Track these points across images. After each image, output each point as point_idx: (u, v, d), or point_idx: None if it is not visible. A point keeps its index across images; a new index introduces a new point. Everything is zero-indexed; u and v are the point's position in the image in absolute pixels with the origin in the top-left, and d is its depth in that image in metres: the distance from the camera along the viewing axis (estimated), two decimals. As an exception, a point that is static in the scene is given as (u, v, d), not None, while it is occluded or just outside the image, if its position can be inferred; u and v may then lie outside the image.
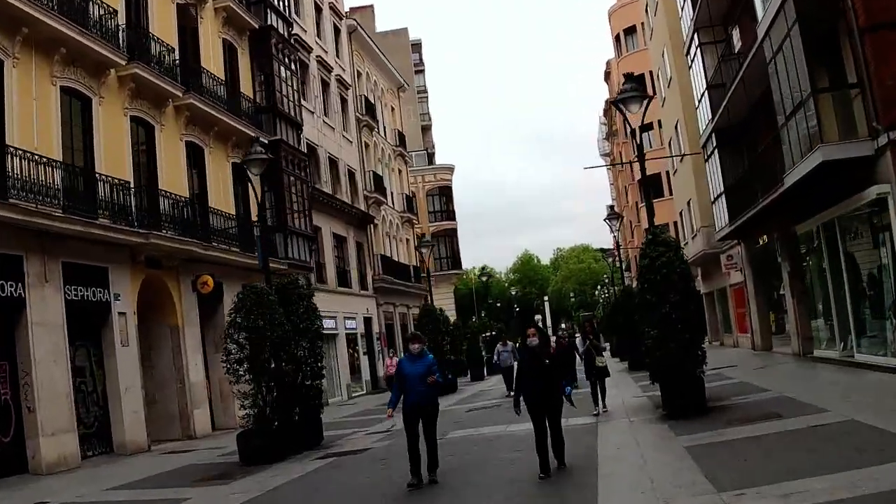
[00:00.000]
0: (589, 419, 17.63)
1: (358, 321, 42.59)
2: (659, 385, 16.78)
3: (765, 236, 29.39)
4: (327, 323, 37.42)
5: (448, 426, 20.42)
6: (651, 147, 62.24)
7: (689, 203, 42.30)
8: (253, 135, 31.33)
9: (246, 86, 32.74)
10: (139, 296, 24.19)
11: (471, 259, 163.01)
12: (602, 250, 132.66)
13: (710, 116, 30.67)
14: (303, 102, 38.24)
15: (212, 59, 30.03)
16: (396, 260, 52.00)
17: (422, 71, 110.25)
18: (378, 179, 49.28)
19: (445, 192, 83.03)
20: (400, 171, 57.58)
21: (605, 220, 43.65)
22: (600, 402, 19.51)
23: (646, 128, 62.86)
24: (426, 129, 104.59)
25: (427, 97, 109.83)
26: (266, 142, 32.19)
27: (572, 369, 19.42)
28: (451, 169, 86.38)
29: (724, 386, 20.73)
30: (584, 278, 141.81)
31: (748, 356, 31.64)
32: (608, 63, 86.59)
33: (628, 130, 75.03)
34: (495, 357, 27.82)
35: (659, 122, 52.65)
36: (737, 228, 29.51)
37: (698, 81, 32.34)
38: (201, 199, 28.56)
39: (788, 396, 16.35)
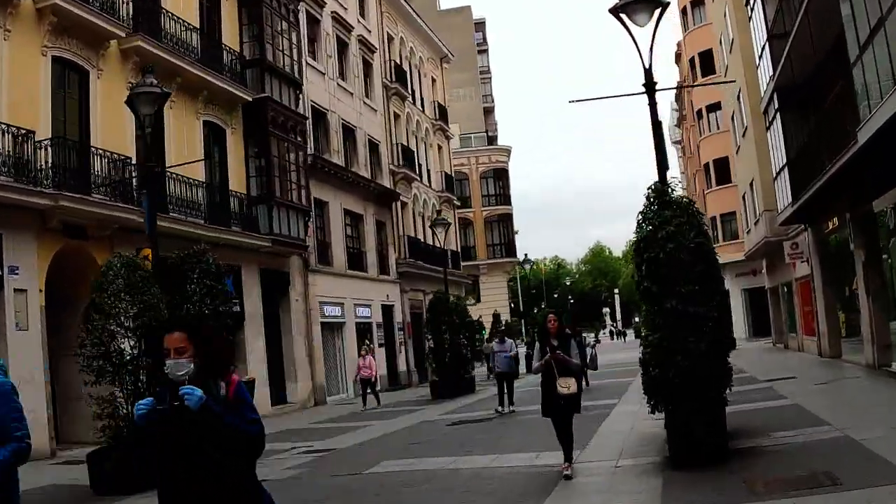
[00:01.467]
0: (554, 460, 11.95)
1: (374, 309, 37.66)
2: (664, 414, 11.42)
3: (835, 218, 23.49)
4: (329, 310, 32.68)
5: (395, 451, 15.39)
6: (718, 128, 56.10)
7: (751, 184, 36.29)
8: (230, 89, 26.63)
9: (231, 38, 28.02)
10: (54, 271, 19.68)
11: (541, 250, 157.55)
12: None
13: (770, 72, 24.88)
14: (308, 61, 33.40)
15: (181, 3, 25.35)
16: (431, 244, 46.87)
17: (485, 51, 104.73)
18: (408, 153, 44.22)
19: (501, 175, 77.62)
20: (440, 147, 52.36)
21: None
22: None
23: (713, 107, 56.88)
24: (489, 112, 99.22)
25: (490, 78, 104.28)
26: (250, 99, 27.58)
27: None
28: (507, 150, 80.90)
29: (769, 410, 15.27)
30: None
31: (812, 364, 25.81)
32: (678, 44, 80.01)
33: (689, 103, 69.06)
34: (491, 360, 22.67)
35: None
36: (802, 208, 23.73)
37: (759, 34, 26.57)
38: (161, 160, 23.94)
39: (855, 439, 10.82)
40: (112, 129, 21.75)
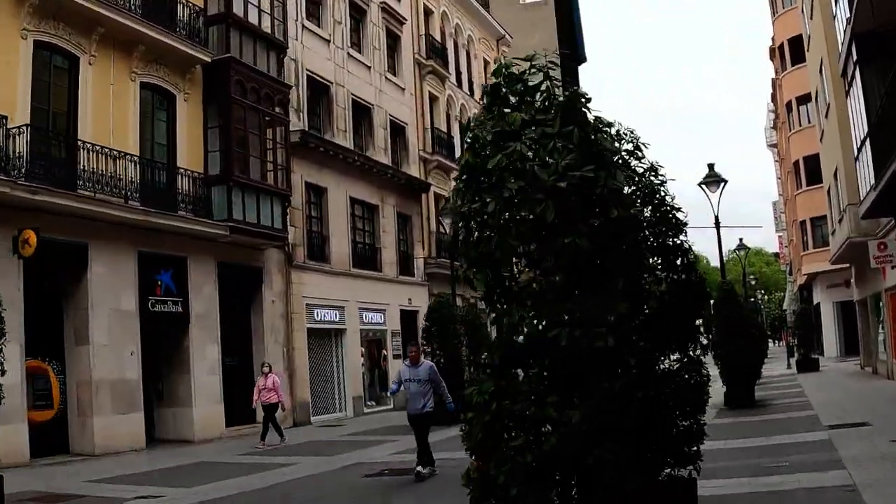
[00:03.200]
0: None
1: (389, 314, 32.30)
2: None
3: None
4: (322, 314, 27.49)
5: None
6: (809, 121, 48.92)
7: (835, 174, 29.57)
8: (178, 46, 21.69)
9: (193, -10, 23.13)
10: None
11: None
12: (775, 254, 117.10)
13: (847, 14, 18.51)
14: (307, 24, 28.38)
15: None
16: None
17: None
18: (444, 141, 38.73)
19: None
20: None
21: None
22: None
23: (803, 99, 49.59)
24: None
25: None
26: (209, 60, 22.58)
27: None
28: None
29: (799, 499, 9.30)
30: (756, 284, 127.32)
31: (900, 401, 19.35)
32: (772, 39, 72.30)
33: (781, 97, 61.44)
34: (393, 386, 15.16)
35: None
36: (886, 193, 17.35)
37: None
38: (67, 127, 19.20)
39: None
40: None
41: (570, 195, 4.62)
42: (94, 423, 18.81)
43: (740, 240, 49.11)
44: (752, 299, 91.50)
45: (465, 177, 4.95)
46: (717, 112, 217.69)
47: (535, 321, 4.87)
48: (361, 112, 31.92)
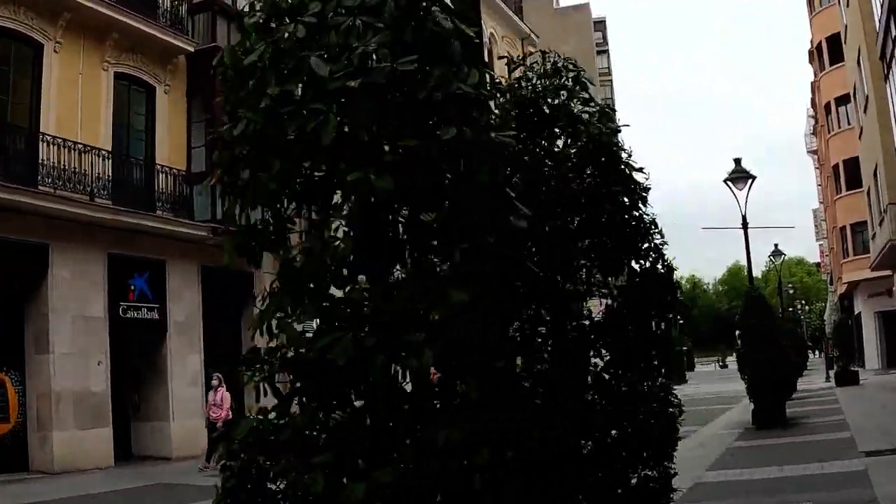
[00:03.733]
0: None
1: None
2: None
3: None
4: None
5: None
6: (848, 123, 46.43)
7: (874, 172, 27.25)
8: (157, 34, 20.12)
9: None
10: None
11: (682, 268, 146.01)
12: (816, 264, 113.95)
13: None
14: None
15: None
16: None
17: (605, 52, 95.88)
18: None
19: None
20: (516, 142, 44.67)
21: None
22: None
23: (842, 100, 47.08)
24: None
25: (611, 81, 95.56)
26: (192, 49, 20.97)
27: None
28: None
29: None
30: (795, 294, 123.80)
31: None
32: (811, 41, 69.62)
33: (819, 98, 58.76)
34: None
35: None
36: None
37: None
38: (28, 118, 17.66)
39: None
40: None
41: (365, 102, 2.72)
42: (54, 439, 17.15)
43: (775, 245, 46.50)
44: (791, 309, 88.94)
45: (226, 84, 3.09)
46: (713, 96, 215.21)
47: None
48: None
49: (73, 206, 17.39)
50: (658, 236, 4.61)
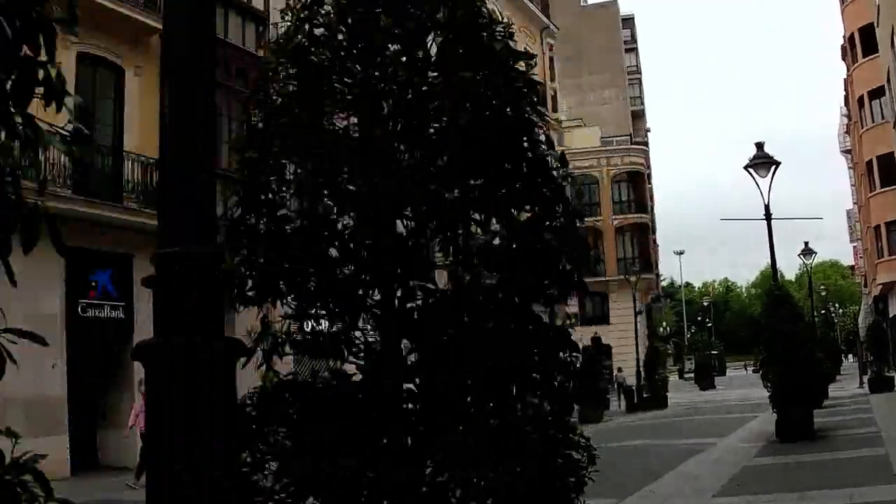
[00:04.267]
0: None
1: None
2: None
3: None
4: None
5: None
6: (882, 117, 44.18)
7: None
8: (120, 10, 18.50)
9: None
10: None
11: (714, 270, 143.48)
12: (851, 267, 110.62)
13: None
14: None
15: None
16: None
17: (633, 49, 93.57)
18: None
19: (635, 179, 66.72)
20: (536, 136, 42.68)
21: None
22: None
23: (875, 93, 44.84)
24: (637, 116, 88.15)
25: (640, 79, 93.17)
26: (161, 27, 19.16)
27: None
28: (642, 151, 70.16)
29: None
30: (828, 296, 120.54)
31: None
32: (843, 37, 67.15)
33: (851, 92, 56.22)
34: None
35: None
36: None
37: None
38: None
39: None
40: None
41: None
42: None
43: (806, 244, 44.21)
44: (823, 312, 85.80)
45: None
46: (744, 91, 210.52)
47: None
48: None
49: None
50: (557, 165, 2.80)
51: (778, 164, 19.07)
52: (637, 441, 20.25)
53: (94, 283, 17.87)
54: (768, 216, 18.92)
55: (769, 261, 20.18)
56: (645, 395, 38.36)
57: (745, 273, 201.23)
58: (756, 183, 18.91)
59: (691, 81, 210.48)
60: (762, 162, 18.96)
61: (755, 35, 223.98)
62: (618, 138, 71.15)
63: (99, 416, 18.71)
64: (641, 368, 39.94)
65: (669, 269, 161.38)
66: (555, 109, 45.31)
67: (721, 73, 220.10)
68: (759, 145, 19.31)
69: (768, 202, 18.91)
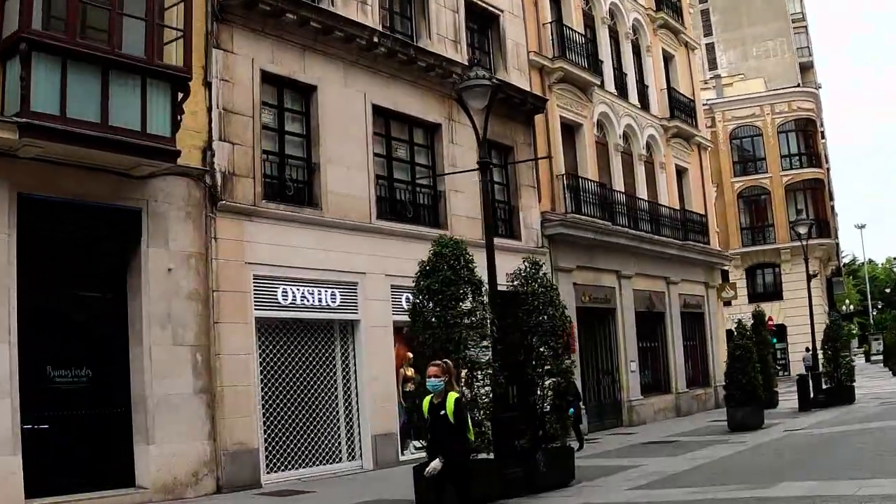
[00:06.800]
0: None
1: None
2: None
3: None
4: (301, 294, 15.74)
5: None
6: None
7: None
8: None
9: None
10: None
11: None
12: None
13: None
14: None
15: None
16: (632, 193, 27.68)
17: (796, -9, 79.89)
18: (583, 46, 25.32)
19: (806, 128, 54.87)
20: (672, 56, 32.30)
21: None
22: None
23: None
24: (805, 69, 75.02)
25: (805, 27, 79.37)
26: None
27: None
28: (811, 94, 57.76)
29: None
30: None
31: None
32: None
33: None
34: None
35: None
36: None
37: None
38: None
39: None
40: None
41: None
42: None
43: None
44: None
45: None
46: None
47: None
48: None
49: None
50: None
51: None
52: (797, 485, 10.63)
53: None
54: None
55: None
56: (825, 387, 28.15)
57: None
58: None
59: (866, 29, 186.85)
60: None
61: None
62: (783, 89, 58.88)
63: None
64: (819, 350, 29.51)
65: (850, 245, 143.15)
66: (713, 67, 34.93)
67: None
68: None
69: None
